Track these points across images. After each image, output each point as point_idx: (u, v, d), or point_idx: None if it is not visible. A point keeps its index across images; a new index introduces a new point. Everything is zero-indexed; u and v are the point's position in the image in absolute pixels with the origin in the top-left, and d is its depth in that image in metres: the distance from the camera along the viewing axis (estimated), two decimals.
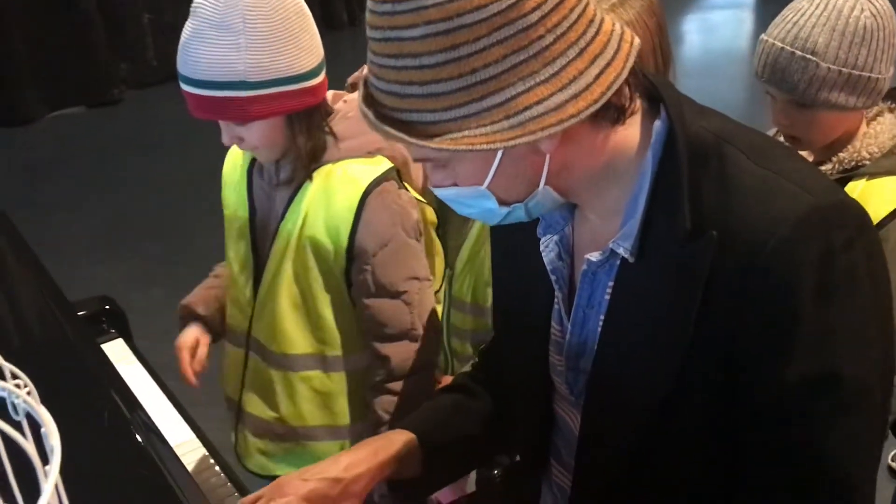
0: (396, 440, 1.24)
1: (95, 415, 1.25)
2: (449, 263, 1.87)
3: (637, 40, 0.92)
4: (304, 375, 1.60)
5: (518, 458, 1.36)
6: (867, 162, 1.53)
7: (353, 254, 1.51)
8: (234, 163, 1.67)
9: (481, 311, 1.87)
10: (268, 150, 1.50)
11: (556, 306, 1.10)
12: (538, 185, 0.94)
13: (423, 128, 0.86)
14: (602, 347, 1.03)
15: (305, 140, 1.48)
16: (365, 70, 0.92)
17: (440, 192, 0.97)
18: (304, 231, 1.52)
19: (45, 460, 0.47)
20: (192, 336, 1.70)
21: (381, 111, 0.89)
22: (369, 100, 0.90)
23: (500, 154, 0.90)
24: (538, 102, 0.84)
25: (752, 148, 0.94)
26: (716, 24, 8.23)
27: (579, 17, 0.86)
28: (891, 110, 1.61)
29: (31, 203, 4.73)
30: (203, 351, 1.69)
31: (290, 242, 1.53)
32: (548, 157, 0.91)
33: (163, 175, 5.07)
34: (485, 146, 0.85)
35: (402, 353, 1.56)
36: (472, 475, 2.12)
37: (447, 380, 1.88)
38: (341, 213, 1.50)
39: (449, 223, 1.85)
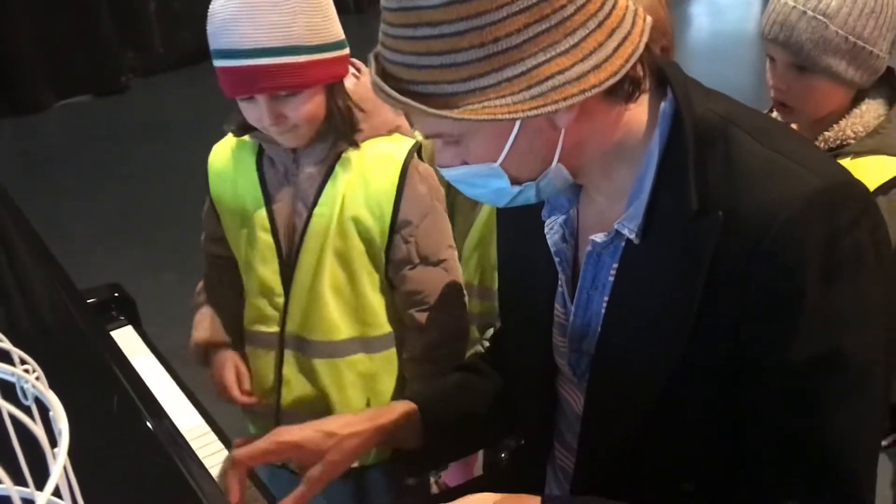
0: (397, 409, 1.26)
1: (105, 401, 1.26)
2: (457, 247, 1.89)
3: (649, 18, 0.92)
4: (350, 360, 1.60)
5: (523, 440, 1.37)
6: (852, 141, 1.55)
7: (396, 227, 1.53)
8: (226, 160, 1.63)
9: (489, 293, 1.88)
10: (308, 126, 1.48)
11: (559, 288, 1.10)
12: (551, 163, 0.94)
13: (441, 100, 0.85)
14: (606, 329, 1.03)
15: (343, 112, 1.49)
16: (378, 48, 0.91)
17: (449, 173, 0.97)
18: (344, 214, 1.52)
19: (54, 444, 0.48)
20: (231, 367, 1.66)
21: (396, 85, 0.88)
22: (383, 75, 0.89)
23: (516, 129, 0.89)
24: (560, 72, 0.84)
25: (757, 129, 0.94)
26: (723, 6, 8.19)
27: None
28: (877, 91, 1.61)
29: (41, 191, 4.75)
30: (247, 382, 1.66)
31: (330, 227, 1.53)
32: (562, 132, 0.91)
33: (171, 162, 5.08)
34: (507, 116, 0.84)
35: (441, 322, 1.59)
36: (480, 459, 2.14)
37: None
38: (383, 191, 1.51)
39: (457, 208, 1.86)
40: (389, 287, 1.60)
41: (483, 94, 0.84)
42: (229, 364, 1.67)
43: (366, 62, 1.58)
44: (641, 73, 0.93)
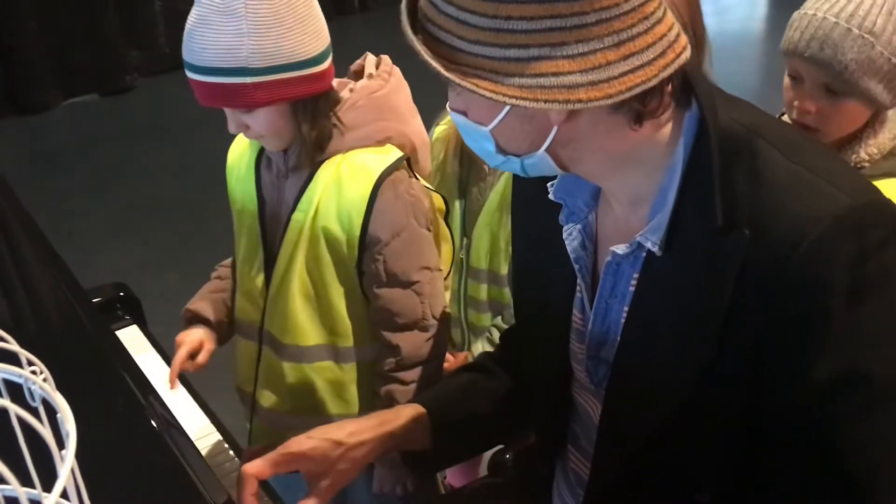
0: (404, 413, 1.25)
1: (111, 401, 1.26)
2: (466, 233, 1.89)
3: (686, 53, 0.88)
4: (317, 367, 1.61)
5: (532, 442, 1.37)
6: (866, 164, 1.47)
7: (366, 243, 1.51)
8: (240, 154, 1.66)
9: (497, 278, 1.88)
10: (273, 138, 1.49)
11: (578, 294, 1.09)
12: (539, 149, 0.93)
13: (446, 50, 0.85)
14: (625, 339, 1.02)
15: (310, 128, 1.47)
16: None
17: (454, 116, 0.97)
18: (316, 221, 1.51)
19: (61, 446, 0.48)
20: (197, 338, 1.67)
21: (418, 23, 0.88)
22: (413, 16, 0.89)
23: (505, 109, 0.89)
24: (554, 74, 0.83)
25: (784, 142, 0.92)
26: (728, 5, 8.17)
27: (633, 9, 0.84)
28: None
29: (47, 190, 4.77)
30: (205, 357, 1.66)
31: (302, 233, 1.52)
32: (555, 129, 0.90)
33: (176, 161, 5.09)
34: (487, 94, 0.84)
35: (412, 342, 1.57)
36: (485, 459, 2.14)
37: (462, 356, 1.90)
38: (354, 203, 1.49)
39: (471, 182, 1.86)
40: (365, 300, 1.59)
41: (480, 62, 0.84)
42: (194, 338, 1.66)
43: (368, 60, 1.59)
44: (656, 105, 0.90)
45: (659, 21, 0.86)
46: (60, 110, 6.27)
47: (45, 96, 6.23)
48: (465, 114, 0.94)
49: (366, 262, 1.53)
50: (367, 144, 1.53)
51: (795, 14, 1.47)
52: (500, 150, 0.94)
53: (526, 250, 1.22)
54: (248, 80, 1.38)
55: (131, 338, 1.83)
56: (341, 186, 1.50)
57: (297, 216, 1.53)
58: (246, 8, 1.35)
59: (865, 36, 1.36)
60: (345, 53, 1.60)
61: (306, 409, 1.64)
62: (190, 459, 1.17)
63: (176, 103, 5.78)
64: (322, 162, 1.51)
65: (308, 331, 1.58)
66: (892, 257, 0.87)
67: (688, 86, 0.95)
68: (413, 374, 1.58)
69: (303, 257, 1.54)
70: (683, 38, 0.89)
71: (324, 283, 1.55)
